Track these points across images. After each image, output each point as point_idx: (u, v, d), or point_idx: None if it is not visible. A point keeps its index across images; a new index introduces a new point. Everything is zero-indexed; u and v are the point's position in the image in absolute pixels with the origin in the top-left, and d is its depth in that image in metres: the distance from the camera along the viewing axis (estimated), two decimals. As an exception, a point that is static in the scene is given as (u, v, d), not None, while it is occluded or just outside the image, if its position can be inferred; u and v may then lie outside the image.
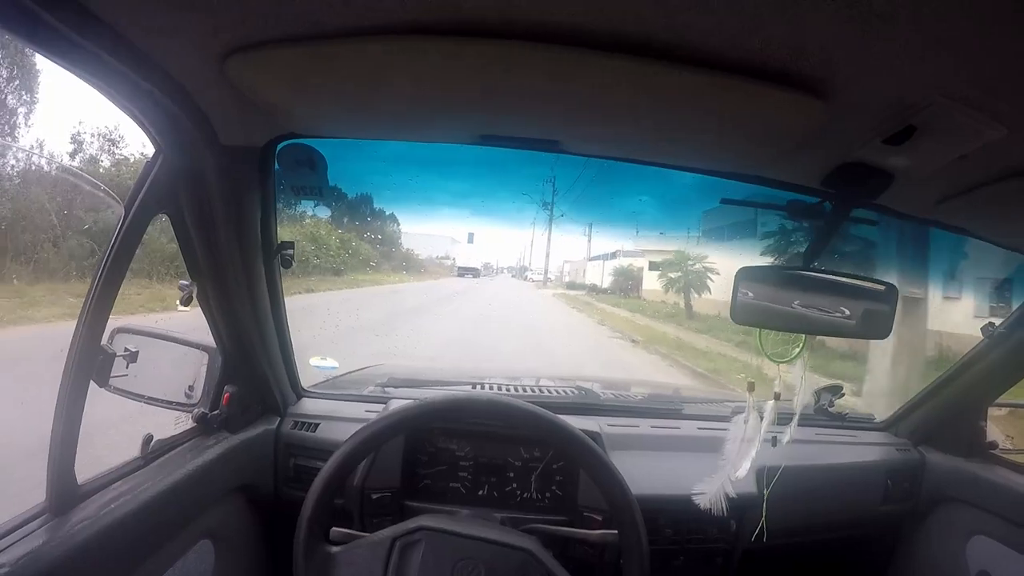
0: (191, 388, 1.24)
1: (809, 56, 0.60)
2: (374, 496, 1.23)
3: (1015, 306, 1.31)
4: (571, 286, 15.35)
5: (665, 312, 10.52)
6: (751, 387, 1.10)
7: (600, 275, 14.30)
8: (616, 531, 0.95)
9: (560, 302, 13.57)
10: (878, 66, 0.60)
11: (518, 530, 1.00)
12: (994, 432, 1.48)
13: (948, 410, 1.49)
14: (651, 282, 11.57)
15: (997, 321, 1.32)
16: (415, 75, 0.70)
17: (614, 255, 13.53)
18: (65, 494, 0.85)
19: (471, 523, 0.97)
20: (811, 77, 0.63)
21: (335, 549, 0.91)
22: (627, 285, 12.89)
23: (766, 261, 0.95)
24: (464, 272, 15.79)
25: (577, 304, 12.95)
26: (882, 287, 1.00)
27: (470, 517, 1.04)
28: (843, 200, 0.94)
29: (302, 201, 1.05)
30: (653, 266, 11.33)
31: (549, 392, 1.59)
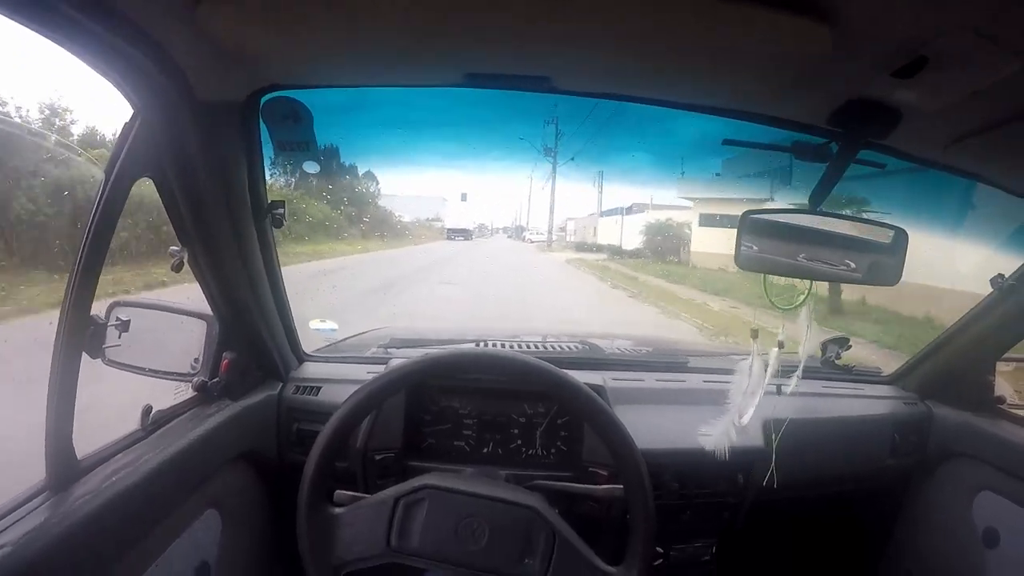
0: (193, 358, 1.23)
1: None
2: (377, 457, 1.23)
3: (1024, 258, 1.28)
4: (581, 247, 13.04)
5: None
6: (755, 334, 1.08)
7: (618, 233, 11.71)
8: (621, 486, 0.95)
9: (580, 271, 10.74)
10: None
11: (523, 487, 0.99)
12: (1003, 387, 1.47)
13: (956, 364, 1.48)
14: (704, 242, 8.91)
15: (1007, 272, 1.29)
16: (396, 9, 0.67)
17: (630, 209, 11.40)
18: (65, 470, 0.84)
19: (476, 481, 0.97)
20: (815, 0, 0.60)
21: (338, 510, 0.90)
22: (668, 246, 10.13)
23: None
24: (454, 234, 14.19)
25: (606, 274, 9.97)
26: (891, 232, 0.97)
27: (475, 475, 1.04)
28: (850, 139, 0.91)
29: (290, 157, 1.01)
30: (707, 220, 8.75)
31: (553, 348, 1.57)
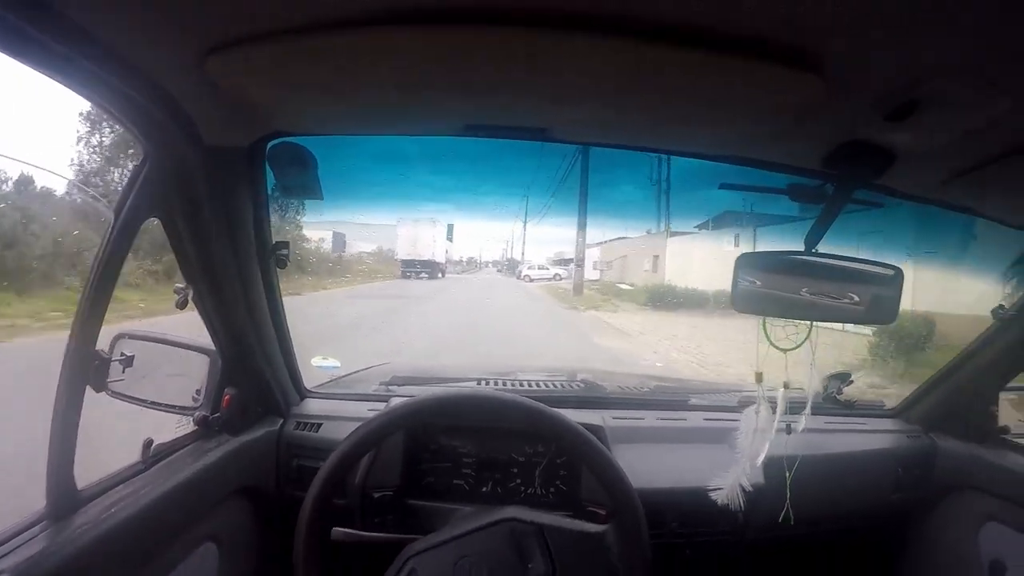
0: (195, 392, 1.24)
1: (802, 29, 0.57)
2: (375, 495, 1.23)
3: (1025, 289, 1.28)
4: (655, 295, 7.53)
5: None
6: (759, 377, 1.08)
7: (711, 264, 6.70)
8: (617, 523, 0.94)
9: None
10: (875, 38, 0.57)
11: (495, 504, 0.99)
12: (1007, 416, 1.45)
13: (959, 395, 1.47)
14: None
15: (1007, 304, 1.29)
16: (396, 66, 0.68)
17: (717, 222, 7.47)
18: (64, 499, 0.84)
19: (452, 525, 0.97)
20: (805, 51, 0.61)
21: None
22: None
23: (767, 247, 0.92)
24: (410, 270, 9.93)
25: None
26: (890, 271, 0.98)
27: (467, 515, 1.03)
28: (845, 181, 0.92)
29: (294, 200, 1.03)
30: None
31: (553, 386, 1.57)
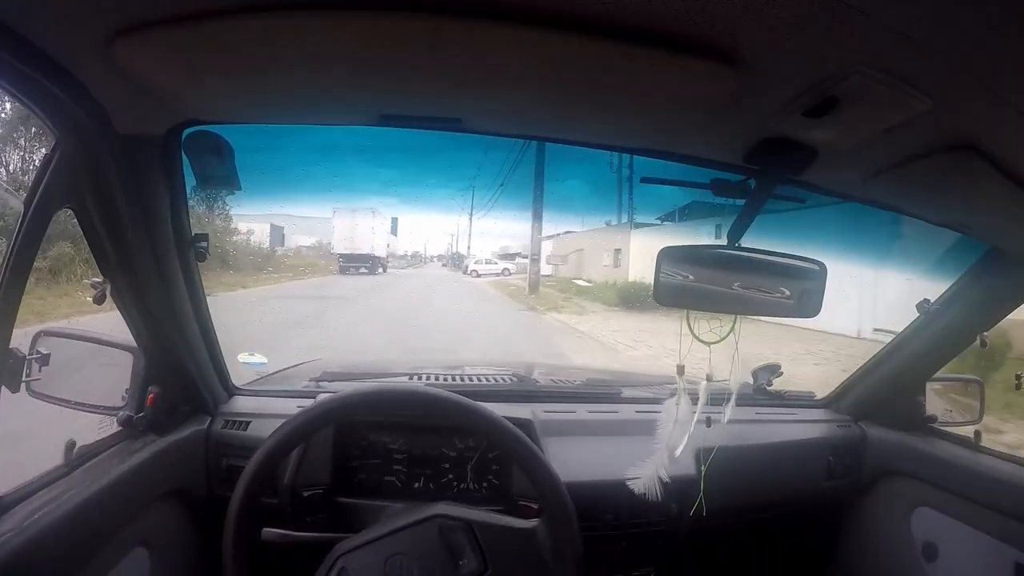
0: (123, 390, 1.20)
1: (715, 21, 0.57)
2: (305, 493, 1.21)
3: (948, 283, 1.33)
4: (628, 294, 6.64)
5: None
6: (680, 370, 1.10)
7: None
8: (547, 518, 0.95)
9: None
10: (791, 32, 0.57)
11: (423, 501, 0.99)
12: (933, 406, 1.51)
13: (887, 385, 1.52)
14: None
15: (932, 298, 1.35)
16: (304, 51, 0.67)
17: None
18: None
19: (381, 523, 0.96)
20: (720, 44, 0.61)
21: None
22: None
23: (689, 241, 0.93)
24: (349, 264, 9.17)
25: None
26: (815, 266, 1.00)
27: (397, 512, 1.03)
28: (766, 177, 0.93)
29: (212, 190, 1.00)
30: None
31: (485, 380, 1.57)
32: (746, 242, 0.95)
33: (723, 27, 0.58)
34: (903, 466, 1.48)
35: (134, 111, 0.83)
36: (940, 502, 1.38)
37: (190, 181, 1.01)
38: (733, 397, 1.16)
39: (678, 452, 1.14)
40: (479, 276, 9.05)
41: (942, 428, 1.50)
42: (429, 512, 0.93)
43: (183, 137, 0.94)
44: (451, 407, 0.95)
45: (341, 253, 9.22)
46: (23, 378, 0.96)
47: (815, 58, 0.62)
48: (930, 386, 1.51)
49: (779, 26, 0.56)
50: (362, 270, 9.23)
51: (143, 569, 1.10)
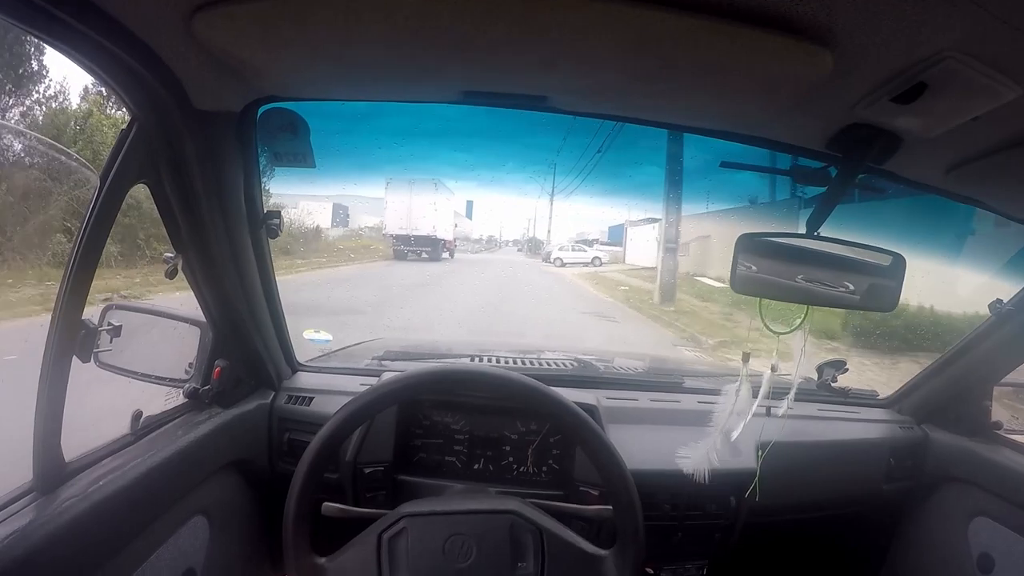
0: (187, 363, 1.23)
1: None
2: (367, 470, 1.22)
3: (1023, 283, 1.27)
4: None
5: None
6: (745, 358, 1.08)
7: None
8: (611, 507, 0.94)
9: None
10: (887, 13, 0.56)
11: (501, 494, 0.99)
12: (1000, 412, 1.46)
13: (953, 388, 1.47)
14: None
15: (1005, 298, 1.29)
16: (389, 25, 0.66)
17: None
18: (52, 472, 0.84)
19: (454, 499, 0.97)
20: (815, 22, 0.59)
21: (324, 562, 0.89)
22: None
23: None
24: (406, 247, 7.65)
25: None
26: (889, 257, 0.97)
27: (460, 492, 1.03)
28: (848, 164, 0.90)
29: (286, 168, 1.01)
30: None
31: (548, 364, 1.57)
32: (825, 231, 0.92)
33: (822, 5, 0.56)
34: (964, 473, 1.42)
35: (211, 86, 0.84)
36: (1000, 512, 1.33)
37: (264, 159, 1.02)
38: (793, 390, 1.14)
39: (734, 436, 1.12)
40: (563, 265, 7.58)
41: (1008, 436, 1.44)
42: (503, 506, 0.92)
43: (258, 114, 0.95)
44: (519, 389, 0.94)
45: (395, 235, 7.73)
46: (96, 348, 0.99)
47: (910, 41, 0.60)
48: (998, 390, 1.45)
49: (878, 4, 0.55)
50: (423, 255, 7.69)
51: (202, 537, 1.13)
